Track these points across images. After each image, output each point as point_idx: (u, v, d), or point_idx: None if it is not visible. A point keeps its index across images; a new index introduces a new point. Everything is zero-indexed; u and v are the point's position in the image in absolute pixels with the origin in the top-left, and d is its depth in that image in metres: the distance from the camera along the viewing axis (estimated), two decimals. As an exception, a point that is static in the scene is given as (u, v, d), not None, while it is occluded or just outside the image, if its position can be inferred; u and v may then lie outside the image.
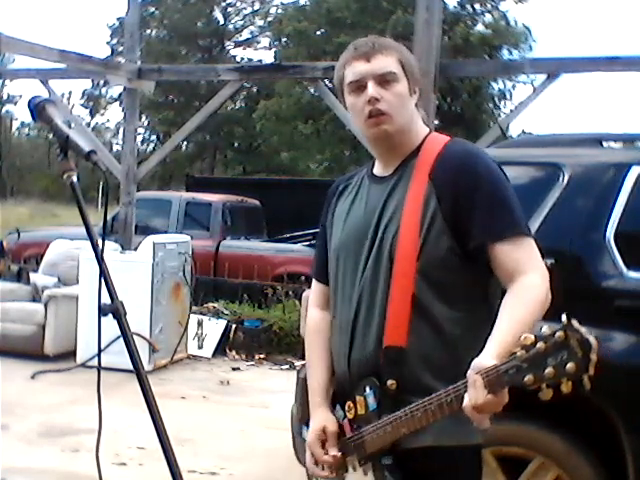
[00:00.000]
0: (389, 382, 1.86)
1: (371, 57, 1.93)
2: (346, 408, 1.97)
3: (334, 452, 1.97)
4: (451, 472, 1.87)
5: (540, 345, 1.56)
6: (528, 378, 1.56)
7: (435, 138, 2.00)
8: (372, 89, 1.91)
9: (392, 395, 1.86)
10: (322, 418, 2.01)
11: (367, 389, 1.90)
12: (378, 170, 2.03)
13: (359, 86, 1.94)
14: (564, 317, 1.58)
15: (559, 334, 1.56)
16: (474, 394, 1.64)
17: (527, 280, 1.82)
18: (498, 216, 1.86)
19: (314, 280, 2.21)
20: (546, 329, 1.57)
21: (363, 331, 1.93)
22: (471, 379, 1.65)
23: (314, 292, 2.19)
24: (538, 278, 1.85)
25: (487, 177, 1.90)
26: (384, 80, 1.92)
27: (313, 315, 2.17)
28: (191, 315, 7.60)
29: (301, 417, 2.16)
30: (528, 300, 1.80)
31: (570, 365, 1.54)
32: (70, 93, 40.36)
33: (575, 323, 1.58)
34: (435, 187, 1.88)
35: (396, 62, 1.95)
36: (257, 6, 37.11)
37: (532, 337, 1.57)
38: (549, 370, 1.54)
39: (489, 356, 1.67)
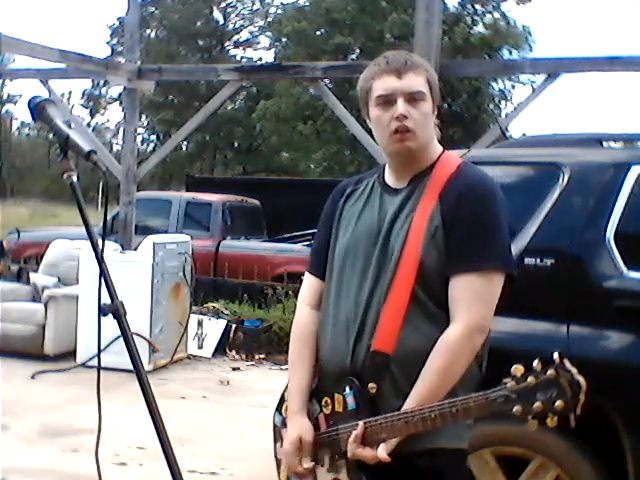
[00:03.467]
0: (370, 385, 1.92)
1: (403, 74, 1.98)
2: (323, 403, 2.02)
3: (307, 464, 2.01)
4: (436, 474, 1.92)
5: (531, 379, 1.64)
6: (516, 409, 1.66)
7: (449, 158, 2.07)
8: (402, 106, 1.96)
9: (371, 398, 1.93)
10: (299, 427, 2.03)
11: (347, 389, 1.95)
12: (391, 180, 2.08)
13: (388, 101, 1.98)
14: (556, 355, 1.63)
15: (551, 372, 1.63)
16: (352, 444, 1.88)
17: (451, 333, 1.90)
18: (472, 248, 1.93)
19: (309, 275, 2.20)
20: (537, 364, 1.64)
21: (358, 331, 1.97)
22: (359, 427, 1.87)
23: (308, 288, 2.18)
24: (458, 330, 1.90)
25: (484, 209, 1.96)
26: (412, 98, 1.97)
27: (304, 314, 2.16)
28: (191, 315, 7.59)
29: (277, 404, 2.19)
30: (444, 362, 1.89)
31: (559, 403, 1.63)
32: (70, 93, 40.40)
33: (567, 363, 1.64)
34: (441, 205, 1.96)
35: (425, 81, 2.00)
36: (257, 6, 37.13)
37: (522, 369, 1.64)
38: (537, 404, 1.63)
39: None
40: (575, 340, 2.91)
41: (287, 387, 2.14)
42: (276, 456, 2.19)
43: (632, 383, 2.86)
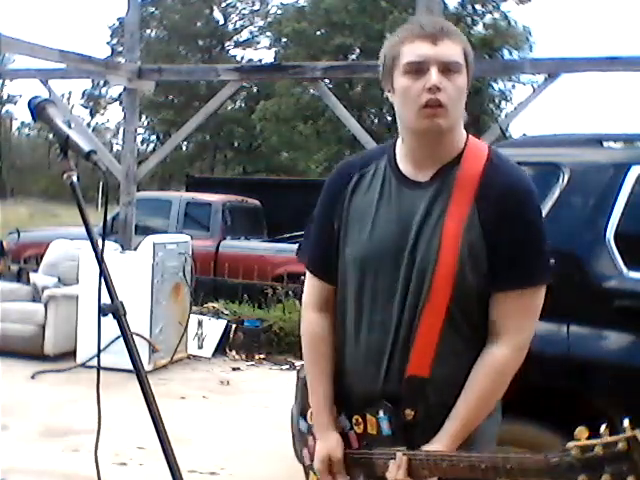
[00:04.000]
0: (407, 412, 1.78)
1: (438, 40, 1.73)
2: (354, 421, 1.89)
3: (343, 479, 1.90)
4: None
5: (598, 449, 1.51)
6: (582, 478, 1.51)
7: (476, 146, 1.85)
8: (436, 77, 1.71)
9: (407, 424, 1.78)
10: (330, 444, 1.90)
11: (381, 413, 1.81)
12: (408, 170, 1.83)
13: (419, 69, 1.73)
14: (627, 423, 1.52)
15: (622, 445, 1.50)
16: (394, 472, 1.74)
17: (499, 353, 1.78)
18: (520, 265, 1.77)
19: (311, 276, 1.97)
20: (605, 430, 1.52)
21: (390, 354, 1.81)
22: (398, 458, 1.73)
23: (312, 291, 1.97)
24: (508, 351, 1.78)
25: (529, 215, 1.80)
26: (447, 69, 1.73)
27: (312, 320, 1.96)
28: (191, 315, 7.59)
29: (301, 410, 2.09)
30: (494, 386, 1.80)
31: (630, 479, 1.48)
32: (70, 93, 40.36)
33: (639, 435, 1.49)
34: (479, 211, 1.75)
35: (461, 52, 1.77)
36: (257, 6, 37.12)
37: (586, 432, 1.54)
38: (606, 477, 1.49)
39: (445, 437, 1.75)
40: (575, 340, 2.91)
41: (309, 394, 1.98)
42: (303, 463, 2.08)
43: (632, 383, 2.86)
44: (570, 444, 1.53)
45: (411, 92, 1.74)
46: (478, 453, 1.68)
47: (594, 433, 1.52)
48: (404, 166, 1.84)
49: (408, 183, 1.82)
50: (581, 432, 1.54)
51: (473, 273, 1.75)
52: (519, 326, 1.78)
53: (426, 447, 1.75)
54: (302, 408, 2.07)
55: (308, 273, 1.99)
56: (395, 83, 1.79)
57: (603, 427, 1.53)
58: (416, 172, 1.82)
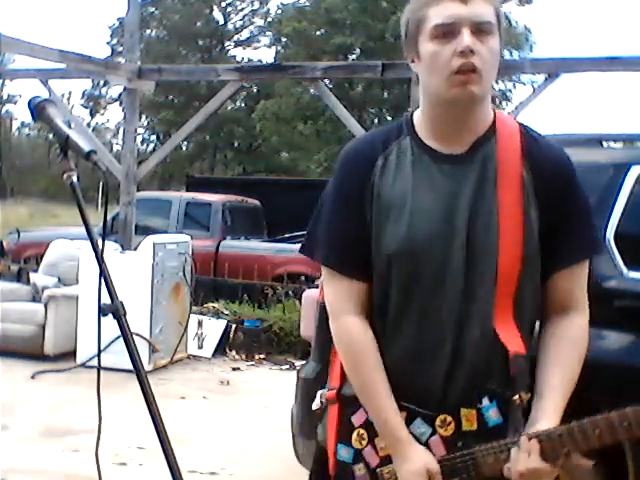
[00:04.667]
0: (521, 395, 1.61)
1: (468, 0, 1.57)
2: (438, 423, 1.65)
3: None
4: None
5: None
6: None
7: (505, 118, 1.71)
8: (468, 38, 1.55)
9: (518, 409, 1.61)
10: (421, 459, 1.63)
11: (485, 401, 1.63)
12: (438, 146, 1.66)
13: (448, 32, 1.57)
14: None
15: None
16: (523, 460, 1.55)
17: (576, 322, 1.69)
18: (580, 238, 1.69)
19: (340, 276, 1.69)
20: None
21: (467, 344, 1.62)
22: (525, 444, 1.55)
23: (343, 293, 1.69)
24: (586, 320, 1.72)
25: (580, 188, 1.73)
26: (480, 30, 1.57)
27: (355, 326, 1.68)
28: (191, 315, 7.59)
29: (339, 435, 1.77)
30: (581, 355, 1.71)
31: None
32: (70, 93, 40.36)
33: None
34: (534, 187, 1.64)
35: (493, 12, 1.60)
36: (256, 6, 37.13)
37: None
38: None
39: (550, 413, 1.60)
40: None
41: (370, 412, 1.70)
42: None
43: (632, 383, 2.86)
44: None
45: (441, 57, 1.57)
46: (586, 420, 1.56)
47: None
48: (432, 142, 1.66)
49: (444, 159, 1.64)
50: None
51: (535, 250, 1.63)
52: (585, 295, 1.71)
53: (532, 429, 1.58)
54: (342, 433, 1.76)
55: (331, 273, 1.71)
56: (421, 49, 1.61)
57: None
58: (448, 147, 1.65)
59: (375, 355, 1.67)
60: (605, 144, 3.42)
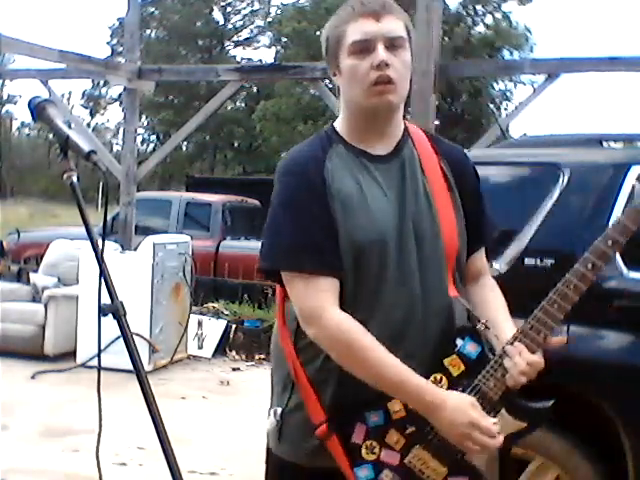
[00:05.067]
0: (480, 321, 1.82)
1: (381, 17, 1.74)
2: (431, 379, 1.77)
3: (493, 419, 1.74)
4: None
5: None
6: None
7: (410, 124, 1.92)
8: (383, 53, 1.72)
9: (488, 331, 1.81)
10: (459, 395, 1.73)
11: (459, 342, 1.78)
12: (366, 148, 1.82)
13: (365, 47, 1.73)
14: None
15: None
16: (521, 361, 1.73)
17: (491, 279, 2.01)
18: (490, 221, 1.98)
19: (321, 278, 1.74)
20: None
21: (429, 311, 1.79)
22: (510, 348, 1.74)
23: (332, 291, 1.74)
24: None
25: (478, 180, 1.98)
26: (393, 45, 1.74)
27: (345, 317, 1.73)
28: (191, 315, 7.59)
29: (351, 464, 1.78)
30: (502, 296, 2.00)
31: None
32: (70, 93, 40.35)
33: None
34: (452, 178, 1.87)
35: (403, 27, 1.78)
36: (256, 6, 37.13)
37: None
38: None
39: (511, 329, 1.82)
40: (575, 340, 2.91)
41: (394, 384, 1.73)
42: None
43: (632, 383, 2.86)
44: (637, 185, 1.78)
45: (359, 71, 1.74)
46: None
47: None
48: (361, 146, 1.83)
49: (377, 159, 1.82)
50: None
51: (463, 229, 1.86)
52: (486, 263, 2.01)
53: (502, 338, 1.80)
54: (351, 457, 1.77)
55: (305, 277, 1.75)
56: (341, 64, 1.79)
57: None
58: (374, 149, 1.83)
59: (372, 337, 1.73)
60: (605, 144, 3.43)
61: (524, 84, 26.12)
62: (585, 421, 2.98)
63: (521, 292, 3.07)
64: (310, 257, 1.75)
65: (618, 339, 2.94)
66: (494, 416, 1.74)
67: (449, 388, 1.76)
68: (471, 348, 1.78)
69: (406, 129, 1.88)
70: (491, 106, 26.96)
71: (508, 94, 27.30)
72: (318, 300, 1.74)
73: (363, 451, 1.76)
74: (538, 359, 1.75)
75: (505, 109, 26.76)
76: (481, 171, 3.53)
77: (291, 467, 1.88)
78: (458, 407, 1.70)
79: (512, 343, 1.75)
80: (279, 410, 1.91)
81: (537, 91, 7.47)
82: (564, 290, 1.77)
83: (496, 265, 3.03)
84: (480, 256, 1.96)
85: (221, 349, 7.89)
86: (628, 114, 42.65)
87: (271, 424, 1.93)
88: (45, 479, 4.43)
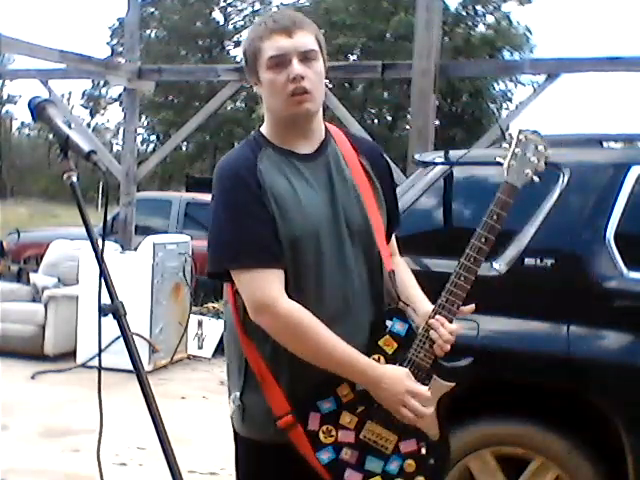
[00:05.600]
0: (402, 302, 2.00)
1: (293, 33, 1.89)
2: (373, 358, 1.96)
3: (425, 387, 1.94)
4: None
5: (517, 150, 2.06)
6: (526, 172, 2.06)
7: (329, 125, 2.08)
8: (298, 66, 1.88)
9: (408, 308, 2.01)
10: (396, 368, 1.92)
11: (388, 324, 1.97)
12: (292, 149, 1.97)
13: (280, 62, 1.88)
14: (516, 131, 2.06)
15: (521, 136, 2.07)
16: (444, 331, 1.93)
17: (401, 259, 2.19)
18: (397, 205, 2.18)
19: (268, 270, 1.86)
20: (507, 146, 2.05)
21: (368, 293, 1.98)
22: (434, 322, 1.94)
23: (274, 281, 1.86)
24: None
25: (391, 169, 2.17)
26: (306, 58, 1.89)
27: (291, 305, 1.86)
28: (191, 315, 7.60)
29: (313, 450, 1.93)
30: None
31: (541, 147, 2.12)
32: (70, 93, 40.32)
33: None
34: (371, 170, 2.04)
35: (314, 40, 1.93)
36: (257, 6, 37.12)
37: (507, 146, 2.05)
38: (534, 159, 2.10)
39: (422, 299, 2.05)
40: (575, 340, 2.91)
41: (341, 364, 1.89)
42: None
43: (632, 383, 2.86)
44: (505, 162, 2.04)
45: (277, 84, 1.89)
46: None
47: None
48: (288, 147, 1.98)
49: (303, 158, 1.97)
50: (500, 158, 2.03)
51: (383, 214, 2.04)
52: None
53: (423, 312, 1.99)
54: (312, 444, 1.92)
55: (252, 271, 1.87)
56: (261, 77, 1.93)
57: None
58: (300, 149, 1.98)
59: (317, 320, 1.87)
60: (605, 144, 3.43)
61: (524, 85, 26.14)
62: (585, 421, 2.98)
63: (521, 292, 3.09)
64: (253, 252, 1.88)
65: (618, 339, 2.94)
66: (427, 383, 1.94)
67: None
68: (399, 327, 1.98)
69: (327, 129, 2.04)
70: (492, 106, 26.97)
71: (509, 94, 27.31)
72: (267, 291, 1.86)
73: (321, 436, 1.92)
74: (457, 327, 1.96)
75: (506, 109, 26.76)
76: (481, 171, 3.55)
77: (257, 446, 2.04)
78: (395, 378, 1.90)
79: (434, 317, 1.95)
80: (238, 394, 2.04)
81: (537, 91, 7.47)
82: (467, 264, 1.96)
83: (496, 265, 3.04)
84: (393, 237, 2.15)
85: (221, 349, 7.87)
86: (628, 114, 42.63)
87: (232, 410, 2.09)
88: (45, 479, 4.43)
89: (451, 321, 1.95)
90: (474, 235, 1.97)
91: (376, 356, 1.94)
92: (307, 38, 1.91)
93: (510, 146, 2.02)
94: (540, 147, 2.06)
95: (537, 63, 7.93)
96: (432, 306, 1.99)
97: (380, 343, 1.96)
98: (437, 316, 1.95)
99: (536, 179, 2.05)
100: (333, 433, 1.93)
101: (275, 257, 1.87)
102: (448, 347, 1.94)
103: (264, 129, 2.02)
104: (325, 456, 1.93)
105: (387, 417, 1.93)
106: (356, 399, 1.93)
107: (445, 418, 2.01)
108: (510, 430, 3.04)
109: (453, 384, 1.98)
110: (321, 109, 1.99)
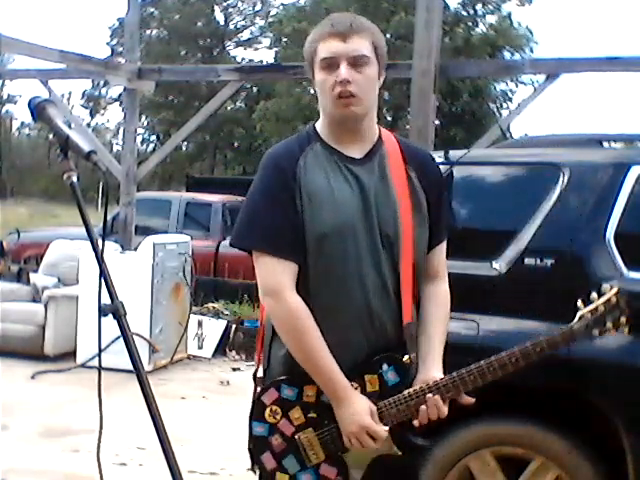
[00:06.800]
0: (407, 357, 2.00)
1: (347, 37, 1.96)
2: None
3: (386, 427, 1.99)
4: None
5: (601, 308, 2.01)
6: (595, 331, 2.01)
7: (385, 132, 2.12)
8: (345, 71, 1.95)
9: (409, 368, 2.01)
10: (365, 401, 1.98)
11: (384, 366, 1.99)
12: (341, 149, 2.04)
13: (331, 64, 1.97)
14: (607, 286, 2.05)
15: (613, 298, 2.03)
16: (433, 410, 1.96)
17: (444, 288, 2.15)
18: (447, 217, 2.20)
19: (278, 259, 1.96)
20: (594, 297, 2.04)
21: (380, 311, 1.99)
22: (431, 399, 1.96)
23: (287, 273, 1.96)
24: (447, 286, 2.16)
25: (443, 180, 2.19)
26: (356, 62, 1.96)
27: (297, 300, 1.96)
28: (191, 315, 7.59)
29: (253, 414, 2.12)
30: (448, 313, 2.14)
31: (622, 319, 2.02)
32: (70, 93, 40.39)
33: (615, 288, 2.04)
34: (418, 179, 2.05)
35: (370, 45, 1.99)
36: (258, 6, 37.12)
37: (582, 302, 2.02)
38: (608, 324, 2.01)
39: (436, 363, 2.03)
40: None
41: (316, 371, 1.98)
42: (263, 468, 2.12)
43: (632, 383, 2.86)
44: (583, 311, 2.00)
45: (326, 85, 1.98)
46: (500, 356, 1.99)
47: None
48: (336, 147, 2.04)
49: (349, 160, 2.03)
50: (582, 302, 2.02)
51: (422, 228, 2.05)
52: (445, 267, 2.18)
53: (425, 378, 2.00)
54: (254, 409, 2.10)
55: (267, 256, 1.98)
56: (315, 76, 2.03)
57: (594, 294, 2.03)
58: (348, 151, 2.04)
59: (315, 325, 1.96)
60: (605, 144, 3.43)
61: (524, 84, 26.12)
62: (585, 421, 2.98)
63: (521, 292, 3.09)
64: (272, 240, 1.98)
65: (618, 339, 2.93)
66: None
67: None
68: (392, 376, 2.01)
69: (380, 135, 2.09)
70: (492, 106, 26.95)
71: (509, 94, 27.28)
72: (279, 278, 1.97)
73: (267, 412, 2.05)
74: (446, 412, 1.98)
75: (506, 109, 26.74)
76: (481, 171, 3.55)
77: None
78: (361, 410, 1.96)
79: (433, 394, 1.97)
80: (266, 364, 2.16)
81: (537, 91, 7.46)
82: (484, 369, 1.98)
83: (496, 265, 3.04)
84: (438, 252, 2.14)
85: (221, 349, 7.89)
86: (628, 114, 42.66)
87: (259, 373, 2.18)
88: (45, 479, 4.43)
89: (445, 401, 1.98)
90: (509, 351, 1.98)
91: (355, 384, 1.99)
92: (361, 43, 1.97)
93: (599, 298, 2.03)
94: (623, 319, 2.03)
95: (537, 63, 7.92)
96: (437, 375, 2.00)
97: (366, 377, 2.01)
98: (435, 396, 1.97)
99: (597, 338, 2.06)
100: (278, 417, 2.04)
101: (292, 251, 1.97)
102: (425, 422, 1.98)
103: (318, 124, 2.10)
104: (259, 430, 2.08)
105: (330, 439, 2.01)
106: (315, 405, 2.01)
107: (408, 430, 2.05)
108: (510, 430, 3.04)
109: (399, 453, 2.03)
110: (374, 113, 2.05)
